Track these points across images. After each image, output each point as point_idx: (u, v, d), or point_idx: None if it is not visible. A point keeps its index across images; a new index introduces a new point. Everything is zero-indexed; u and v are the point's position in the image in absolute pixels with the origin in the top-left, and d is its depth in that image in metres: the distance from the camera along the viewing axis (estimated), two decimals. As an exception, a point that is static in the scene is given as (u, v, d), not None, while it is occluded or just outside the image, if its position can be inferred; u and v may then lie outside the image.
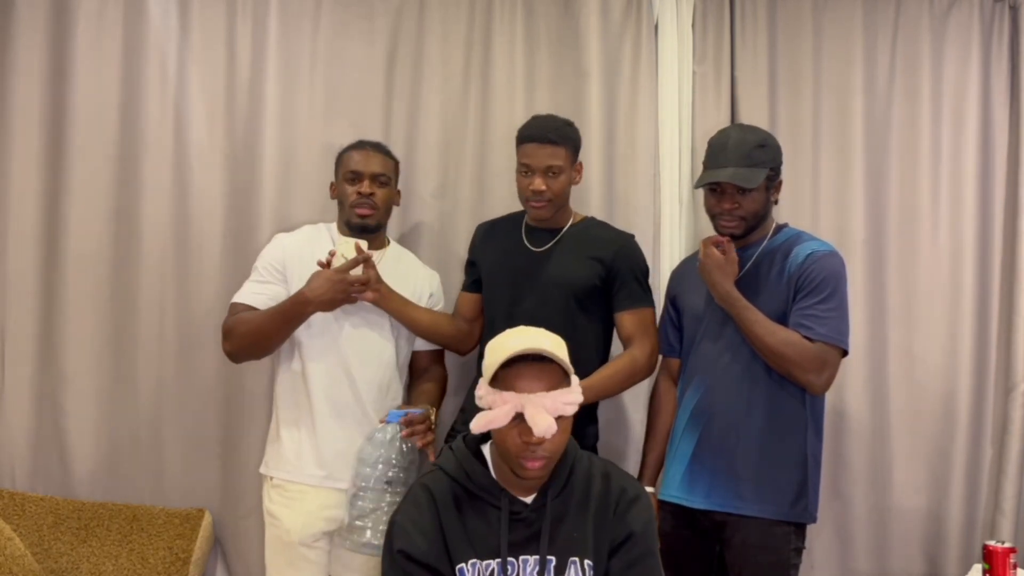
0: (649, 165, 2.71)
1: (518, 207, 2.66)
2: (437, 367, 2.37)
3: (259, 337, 2.10)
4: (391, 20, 2.67)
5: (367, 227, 2.20)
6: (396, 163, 2.31)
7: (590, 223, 2.33)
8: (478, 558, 1.56)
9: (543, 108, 2.70)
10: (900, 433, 2.75)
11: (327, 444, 2.12)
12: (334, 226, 2.30)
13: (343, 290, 2.05)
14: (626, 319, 2.23)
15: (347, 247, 2.09)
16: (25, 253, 2.52)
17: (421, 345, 2.32)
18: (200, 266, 2.56)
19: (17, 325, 2.52)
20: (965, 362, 2.77)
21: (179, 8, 2.58)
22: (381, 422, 2.08)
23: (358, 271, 2.07)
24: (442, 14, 2.69)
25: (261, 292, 2.15)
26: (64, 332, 2.52)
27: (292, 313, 2.06)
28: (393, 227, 2.63)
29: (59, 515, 2.46)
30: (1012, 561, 1.97)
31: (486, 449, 1.66)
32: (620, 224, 2.67)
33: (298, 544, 2.09)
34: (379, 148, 2.28)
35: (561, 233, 2.27)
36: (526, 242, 2.29)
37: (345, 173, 2.23)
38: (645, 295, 2.26)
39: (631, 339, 2.22)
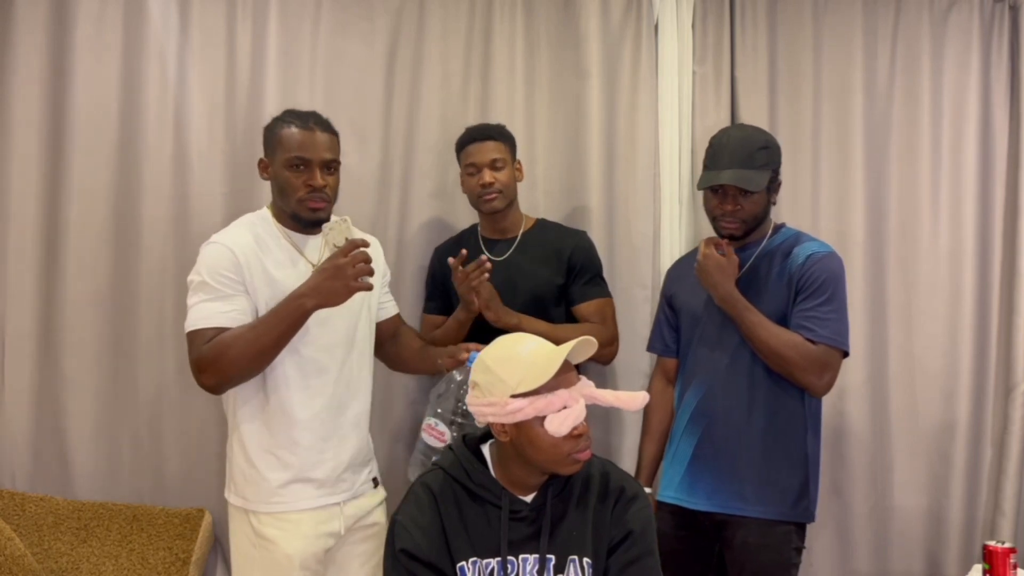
0: (649, 165, 2.71)
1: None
2: (405, 326, 2.24)
3: (256, 353, 1.81)
4: (391, 20, 2.67)
5: (319, 221, 1.93)
6: (338, 137, 2.03)
7: (543, 224, 2.42)
8: (478, 556, 1.56)
9: (543, 108, 2.71)
10: (900, 433, 2.76)
11: (313, 463, 1.93)
12: (268, 215, 2.00)
13: (345, 275, 1.77)
14: (584, 308, 2.30)
15: (339, 231, 1.84)
16: (25, 253, 2.51)
17: (385, 314, 2.17)
18: (200, 266, 2.56)
19: (17, 325, 2.51)
20: (965, 362, 2.78)
21: (179, 8, 2.58)
22: (464, 359, 1.95)
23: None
24: (442, 14, 2.69)
25: (228, 309, 1.84)
26: (64, 332, 2.52)
27: (292, 316, 1.80)
28: (392, 227, 2.64)
29: (59, 515, 2.45)
30: (1012, 561, 1.97)
31: (485, 449, 1.66)
32: (620, 224, 2.69)
33: (299, 569, 1.90)
34: (323, 124, 1.97)
35: (518, 238, 2.35)
36: (487, 253, 2.34)
37: (287, 158, 1.91)
38: (603, 288, 2.34)
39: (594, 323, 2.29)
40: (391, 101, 2.67)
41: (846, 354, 2.05)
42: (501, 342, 1.62)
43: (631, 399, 1.58)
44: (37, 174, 2.52)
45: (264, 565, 1.92)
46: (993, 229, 2.82)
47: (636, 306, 2.65)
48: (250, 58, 2.60)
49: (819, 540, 2.70)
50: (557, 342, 1.60)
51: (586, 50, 2.71)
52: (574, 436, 1.52)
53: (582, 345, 1.56)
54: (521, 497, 1.60)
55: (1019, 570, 1.99)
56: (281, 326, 1.81)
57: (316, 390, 1.94)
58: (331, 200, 1.96)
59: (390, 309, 2.20)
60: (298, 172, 1.91)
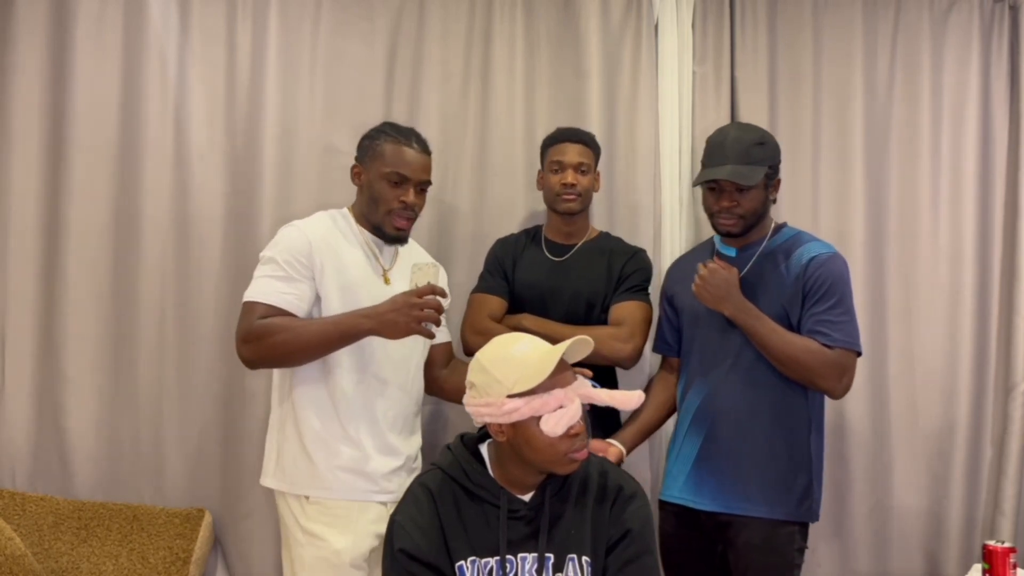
0: (649, 165, 2.71)
1: (517, 206, 2.66)
2: (457, 359, 2.26)
3: (301, 350, 1.85)
4: (391, 20, 2.67)
5: (400, 239, 2.02)
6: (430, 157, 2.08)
7: (605, 236, 2.44)
8: (477, 556, 1.56)
9: (543, 108, 2.71)
10: (900, 433, 2.75)
11: (367, 457, 1.93)
12: (349, 214, 2.06)
13: (414, 317, 1.78)
14: (613, 311, 2.29)
15: (425, 274, 1.84)
16: (25, 253, 2.52)
17: (441, 338, 2.17)
18: (200, 266, 2.56)
19: (17, 325, 2.52)
20: (965, 362, 2.77)
21: (179, 8, 2.58)
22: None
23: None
24: (442, 14, 2.69)
25: (288, 292, 1.88)
26: (64, 332, 2.52)
27: (348, 331, 1.84)
28: (392, 227, 2.64)
29: (59, 515, 2.46)
30: (1012, 561, 1.96)
31: (484, 448, 1.66)
32: (620, 224, 2.68)
33: (349, 566, 1.88)
34: (422, 144, 2.03)
35: (578, 245, 2.38)
36: (547, 254, 2.38)
37: (388, 173, 1.96)
38: (638, 294, 2.33)
39: (618, 325, 2.27)
40: (391, 101, 2.67)
41: (859, 354, 2.07)
42: (497, 342, 1.62)
43: (626, 398, 1.58)
44: (37, 174, 2.53)
45: (314, 562, 1.89)
46: (993, 229, 2.82)
47: (636, 306, 2.64)
48: (250, 58, 2.60)
49: (819, 540, 2.69)
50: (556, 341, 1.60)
51: (586, 50, 2.71)
52: (571, 435, 1.52)
53: (578, 345, 1.56)
54: (519, 496, 1.60)
55: (1019, 570, 1.99)
56: (334, 335, 1.84)
57: (377, 391, 1.96)
58: (415, 219, 2.02)
59: (443, 335, 2.19)
60: (394, 187, 1.96)
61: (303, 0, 2.63)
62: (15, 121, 2.52)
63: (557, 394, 1.52)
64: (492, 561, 1.56)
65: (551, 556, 1.57)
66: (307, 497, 1.92)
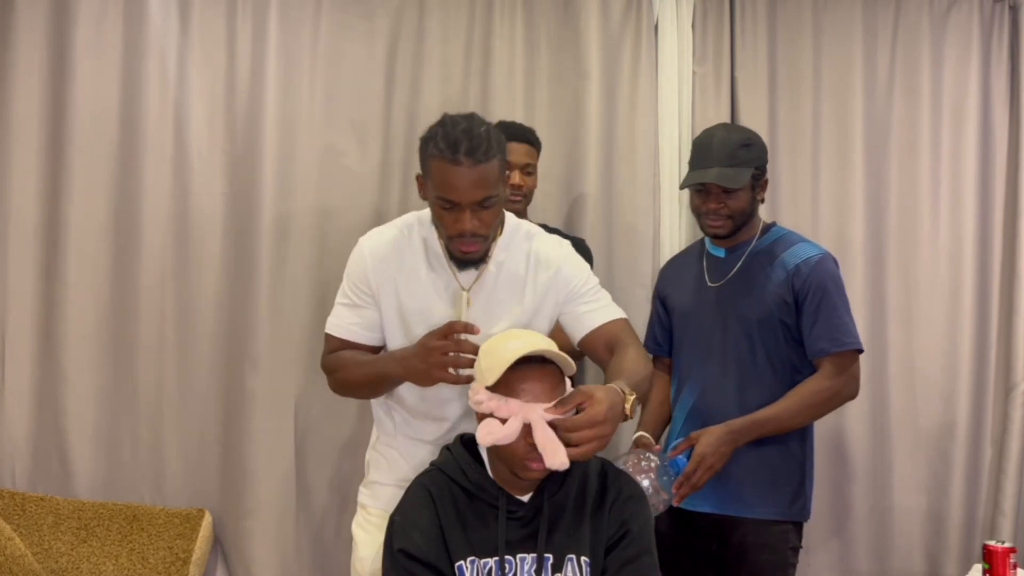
0: (649, 165, 2.71)
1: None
2: (624, 343, 1.73)
3: (358, 388, 1.76)
4: (391, 20, 2.67)
5: (474, 262, 1.69)
6: (499, 159, 1.62)
7: (544, 229, 2.40)
8: (476, 556, 1.56)
9: (543, 108, 2.71)
10: (900, 433, 2.76)
11: (407, 465, 1.79)
12: (428, 221, 1.74)
13: (434, 363, 1.54)
14: None
15: (459, 305, 1.62)
16: (25, 253, 2.52)
17: (605, 317, 1.75)
18: (200, 266, 2.57)
19: (17, 325, 2.52)
20: (965, 362, 2.78)
21: (179, 8, 2.59)
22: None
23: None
24: (442, 14, 2.69)
25: (353, 322, 1.74)
26: (64, 332, 2.52)
27: (383, 375, 1.68)
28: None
29: (59, 515, 2.46)
30: (1012, 561, 1.96)
31: (483, 449, 1.66)
32: (620, 224, 2.69)
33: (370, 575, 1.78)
34: (477, 154, 1.57)
35: None
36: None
37: (436, 196, 1.61)
38: None
39: None
40: (391, 101, 2.67)
41: (861, 351, 2.05)
42: (505, 333, 1.61)
43: (553, 453, 1.43)
44: (37, 173, 2.53)
45: (353, 564, 1.85)
46: (993, 229, 2.82)
47: (636, 306, 2.63)
48: (250, 58, 2.60)
49: (819, 540, 2.70)
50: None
51: (586, 50, 2.71)
52: (529, 442, 1.48)
53: (562, 360, 1.53)
54: (518, 497, 1.60)
55: (1019, 570, 1.99)
56: (374, 378, 1.70)
57: (438, 408, 1.78)
58: (487, 236, 1.66)
59: (609, 313, 1.78)
60: (446, 211, 1.62)
61: (303, 0, 2.63)
62: (15, 121, 2.52)
63: (512, 404, 1.48)
64: (491, 561, 1.56)
65: (550, 556, 1.56)
66: (361, 504, 1.87)
